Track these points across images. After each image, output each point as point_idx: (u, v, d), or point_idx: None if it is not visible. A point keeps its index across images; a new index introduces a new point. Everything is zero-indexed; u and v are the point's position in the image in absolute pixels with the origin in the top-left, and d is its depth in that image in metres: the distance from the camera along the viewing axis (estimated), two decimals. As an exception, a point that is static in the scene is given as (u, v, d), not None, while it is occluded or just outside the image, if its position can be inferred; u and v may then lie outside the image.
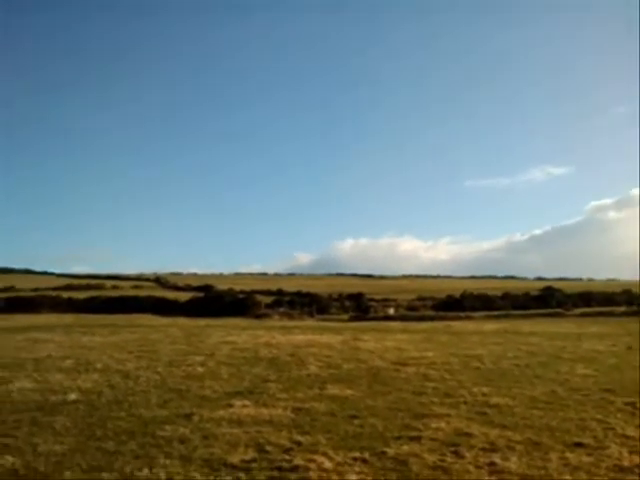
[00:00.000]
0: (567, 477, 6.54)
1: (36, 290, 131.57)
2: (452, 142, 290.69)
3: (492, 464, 7.01)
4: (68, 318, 66.85)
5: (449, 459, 7.22)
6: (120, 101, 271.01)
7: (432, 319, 61.12)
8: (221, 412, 10.24)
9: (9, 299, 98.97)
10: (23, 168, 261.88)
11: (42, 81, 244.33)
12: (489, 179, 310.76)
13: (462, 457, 7.30)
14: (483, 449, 7.71)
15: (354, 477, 6.46)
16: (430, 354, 20.19)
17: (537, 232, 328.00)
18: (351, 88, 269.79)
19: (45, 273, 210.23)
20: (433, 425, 9.14)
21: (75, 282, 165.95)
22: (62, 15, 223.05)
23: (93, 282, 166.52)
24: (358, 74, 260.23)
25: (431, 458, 7.24)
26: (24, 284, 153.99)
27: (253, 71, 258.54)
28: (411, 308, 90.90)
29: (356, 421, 9.50)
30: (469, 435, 8.48)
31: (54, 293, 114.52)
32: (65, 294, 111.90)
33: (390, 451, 7.55)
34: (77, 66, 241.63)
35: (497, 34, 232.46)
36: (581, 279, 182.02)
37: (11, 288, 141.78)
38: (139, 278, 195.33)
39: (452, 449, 7.67)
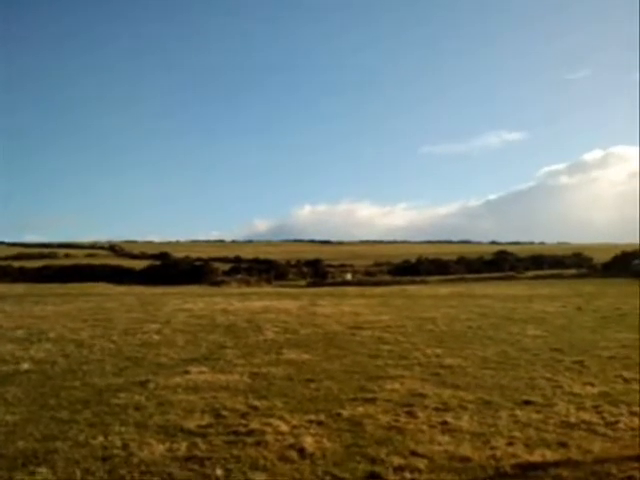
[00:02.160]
0: (517, 434, 6.74)
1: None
2: (408, 108, 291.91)
3: (445, 423, 7.17)
4: (19, 288, 65.32)
5: (403, 419, 7.36)
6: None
7: (388, 284, 61.84)
8: (177, 379, 10.20)
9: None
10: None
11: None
12: (444, 145, 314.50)
13: (416, 417, 7.45)
14: (436, 409, 7.88)
15: (309, 439, 6.53)
16: (385, 317, 20.49)
17: (492, 197, 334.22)
18: (313, 48, 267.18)
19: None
20: (388, 387, 9.31)
21: (27, 251, 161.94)
22: None
23: (45, 251, 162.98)
24: (324, 34, 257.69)
25: (385, 419, 7.37)
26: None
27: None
28: (368, 273, 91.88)
29: (312, 385, 9.59)
30: (423, 396, 8.65)
31: (4, 262, 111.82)
32: (16, 263, 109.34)
33: (345, 413, 7.66)
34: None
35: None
36: (533, 243, 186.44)
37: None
38: (93, 246, 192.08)
39: (406, 410, 7.82)
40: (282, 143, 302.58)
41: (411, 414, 7.59)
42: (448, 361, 11.66)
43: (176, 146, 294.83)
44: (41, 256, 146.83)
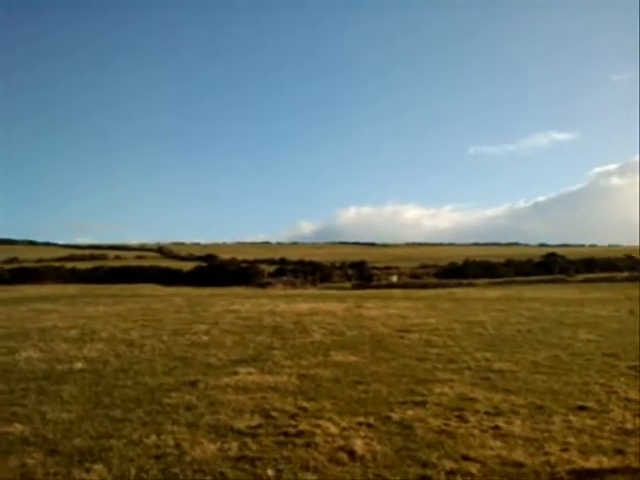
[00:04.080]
0: (571, 439, 6.58)
1: (40, 261, 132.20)
2: (456, 109, 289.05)
3: (496, 428, 7.06)
4: (72, 289, 67.12)
5: (453, 423, 7.27)
6: (121, 70, 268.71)
7: (434, 286, 61.38)
8: (226, 379, 10.30)
9: (13, 270, 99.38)
10: (25, 141, 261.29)
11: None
12: (493, 146, 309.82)
13: (466, 421, 7.35)
14: (487, 413, 7.76)
15: (359, 442, 6.51)
16: (433, 321, 20.30)
17: (540, 199, 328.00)
18: (357, 55, 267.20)
19: (48, 244, 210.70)
20: (437, 390, 9.21)
21: (78, 253, 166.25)
22: None
23: (96, 252, 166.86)
24: (365, 40, 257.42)
25: (436, 422, 7.29)
26: (27, 255, 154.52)
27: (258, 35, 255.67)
28: (414, 276, 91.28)
29: (360, 387, 9.56)
30: (473, 400, 8.54)
31: (57, 264, 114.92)
32: (68, 265, 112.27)
33: (395, 416, 7.61)
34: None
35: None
36: (583, 245, 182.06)
37: (14, 259, 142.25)
38: (142, 248, 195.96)
39: (456, 414, 7.72)
40: (329, 148, 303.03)
41: (462, 418, 7.50)
42: (498, 365, 11.47)
43: (223, 149, 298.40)
44: (92, 258, 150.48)
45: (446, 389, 9.30)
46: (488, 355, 12.73)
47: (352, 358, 12.57)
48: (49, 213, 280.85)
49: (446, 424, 7.24)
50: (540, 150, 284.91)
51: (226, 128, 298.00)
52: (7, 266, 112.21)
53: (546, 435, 6.77)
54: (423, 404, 8.30)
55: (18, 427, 7.23)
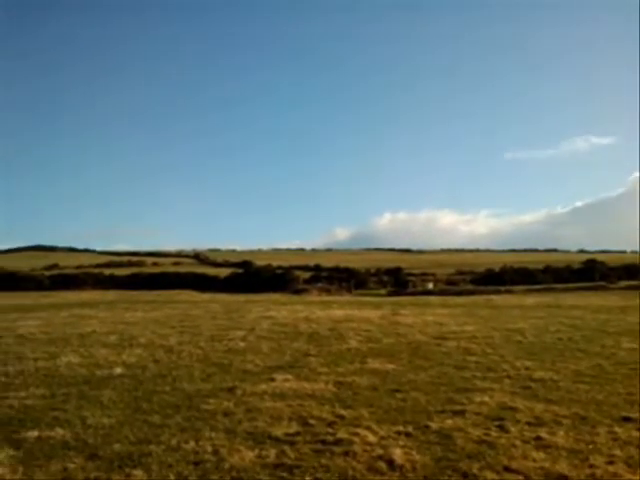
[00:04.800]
0: (617, 452, 6.40)
1: (79, 267, 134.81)
2: (493, 113, 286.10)
3: (539, 438, 6.90)
4: (110, 295, 68.26)
5: (494, 433, 7.13)
6: (153, 76, 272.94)
7: (472, 293, 60.73)
8: (263, 386, 10.30)
9: (53, 277, 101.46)
10: (63, 148, 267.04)
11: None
12: (530, 150, 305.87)
13: (507, 431, 7.20)
14: (529, 423, 7.60)
15: (398, 451, 6.43)
16: (471, 328, 20.04)
17: (579, 204, 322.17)
18: (390, 62, 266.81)
19: (87, 250, 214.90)
20: (477, 399, 9.05)
21: (116, 259, 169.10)
22: None
23: (134, 259, 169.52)
24: (400, 44, 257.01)
25: (476, 432, 7.16)
26: (67, 262, 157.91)
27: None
28: (450, 282, 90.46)
29: (398, 395, 9.47)
30: (514, 409, 8.37)
31: (96, 270, 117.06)
32: (107, 271, 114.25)
33: (434, 425, 7.50)
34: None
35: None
36: (625, 252, 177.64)
37: (55, 266, 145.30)
38: (179, 254, 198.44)
39: (497, 423, 7.58)
40: (363, 153, 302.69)
41: (502, 428, 7.35)
42: (539, 374, 11.25)
43: (258, 156, 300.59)
44: (130, 264, 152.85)
45: (486, 398, 9.13)
46: (528, 364, 12.49)
47: (389, 366, 12.47)
48: (88, 220, 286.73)
49: (486, 434, 7.10)
50: (579, 154, 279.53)
51: (261, 135, 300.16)
52: (48, 272, 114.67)
53: (591, 447, 6.59)
54: (462, 413, 8.17)
55: (59, 432, 7.33)
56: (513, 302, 39.66)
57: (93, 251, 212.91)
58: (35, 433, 7.26)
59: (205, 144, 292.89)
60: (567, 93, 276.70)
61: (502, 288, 67.62)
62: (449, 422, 7.67)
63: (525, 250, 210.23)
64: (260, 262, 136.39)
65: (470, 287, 75.98)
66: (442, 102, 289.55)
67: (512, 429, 7.30)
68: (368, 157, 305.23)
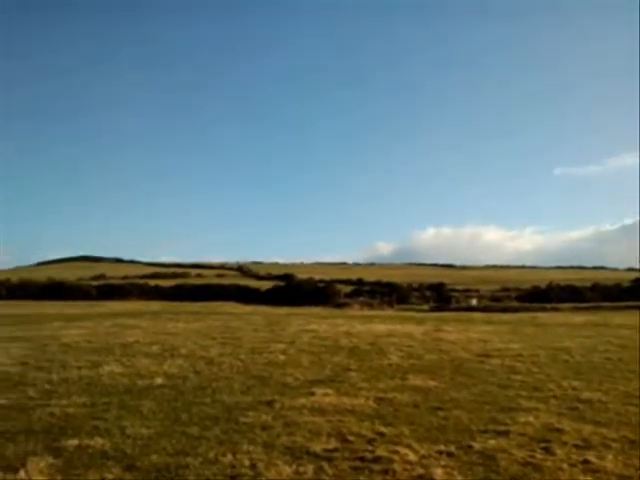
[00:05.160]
0: (670, 479, 6.10)
1: (125, 278, 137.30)
2: (542, 129, 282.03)
3: (586, 462, 6.62)
4: (155, 305, 69.17)
5: (539, 455, 6.88)
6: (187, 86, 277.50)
7: (516, 310, 59.49)
8: (303, 400, 10.21)
9: (100, 287, 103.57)
10: (108, 161, 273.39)
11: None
12: (579, 167, 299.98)
13: (553, 454, 6.94)
14: (576, 446, 7.31)
15: (439, 471, 6.25)
16: (516, 346, 19.57)
17: (628, 222, 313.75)
18: (440, 74, 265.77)
19: (133, 262, 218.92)
20: (521, 419, 8.77)
21: (162, 270, 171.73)
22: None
23: (179, 270, 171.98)
24: (443, 59, 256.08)
25: (520, 454, 6.92)
26: (114, 272, 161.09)
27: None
28: (494, 299, 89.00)
29: (440, 413, 9.25)
30: (560, 431, 8.07)
31: (142, 281, 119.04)
32: (152, 282, 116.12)
33: (477, 445, 7.28)
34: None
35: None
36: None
37: (102, 276, 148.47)
38: (222, 267, 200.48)
39: (542, 445, 7.31)
40: (408, 168, 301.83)
41: (548, 450, 7.09)
42: (586, 395, 10.87)
43: (301, 168, 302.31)
44: (175, 275, 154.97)
45: (531, 418, 8.84)
46: (575, 384, 12.09)
47: (431, 383, 12.23)
48: (135, 231, 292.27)
49: (531, 456, 6.86)
50: (627, 170, 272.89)
51: (304, 147, 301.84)
52: (94, 282, 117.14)
53: (641, 473, 6.30)
54: (506, 434, 7.92)
55: (99, 441, 7.37)
56: (560, 320, 38.70)
57: (139, 262, 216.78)
58: (75, 442, 7.31)
59: (250, 158, 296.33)
60: (616, 110, 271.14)
61: (548, 306, 66.16)
62: (492, 442, 7.44)
63: (572, 267, 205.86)
64: (302, 275, 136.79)
65: (515, 304, 74.45)
66: (492, 116, 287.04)
67: (558, 451, 7.04)
68: (412, 171, 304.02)
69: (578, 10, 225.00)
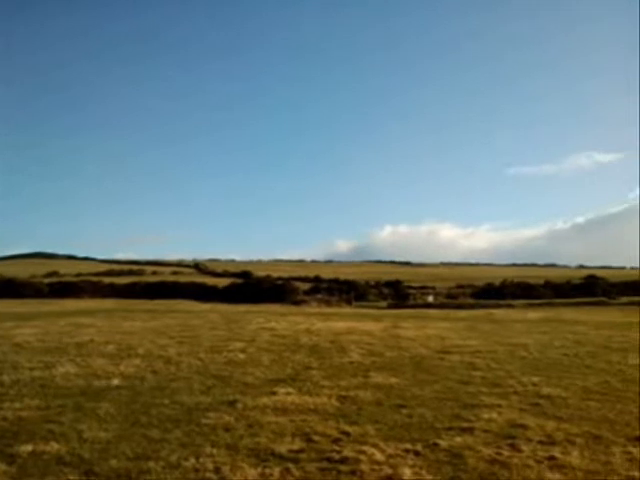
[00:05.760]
0: (635, 473, 6.15)
1: (79, 275, 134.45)
2: (496, 128, 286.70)
3: (552, 458, 6.63)
4: (109, 303, 67.90)
5: (506, 452, 6.87)
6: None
7: (472, 307, 60.43)
8: (265, 400, 10.03)
9: (53, 284, 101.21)
10: (64, 155, 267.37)
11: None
12: (533, 166, 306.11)
13: (520, 450, 6.94)
14: (541, 442, 7.33)
15: (408, 470, 6.17)
16: (474, 342, 19.76)
17: (580, 220, 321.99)
18: (390, 69, 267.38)
19: (87, 259, 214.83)
20: (485, 416, 8.78)
21: (117, 268, 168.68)
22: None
23: (134, 268, 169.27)
24: (400, 55, 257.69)
25: (487, 451, 6.90)
26: (67, 269, 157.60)
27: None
28: (450, 296, 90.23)
29: (404, 411, 9.19)
30: (524, 427, 8.09)
31: (96, 278, 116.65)
32: (107, 279, 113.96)
33: (443, 443, 7.23)
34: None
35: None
36: (624, 268, 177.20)
37: (55, 273, 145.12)
38: (179, 264, 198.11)
39: (508, 442, 7.30)
40: (363, 165, 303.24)
41: (514, 447, 7.08)
42: (546, 390, 10.98)
43: (256, 165, 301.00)
44: (130, 273, 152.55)
45: (494, 415, 8.86)
46: (535, 379, 12.20)
47: (393, 380, 12.19)
48: (89, 228, 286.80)
49: (498, 453, 6.84)
50: (581, 171, 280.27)
51: (260, 142, 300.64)
52: (47, 280, 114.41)
53: (607, 468, 6.33)
54: (471, 430, 7.90)
55: (54, 446, 7.06)
56: (515, 316, 39.34)
57: (93, 259, 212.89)
58: (29, 447, 6.98)
59: (205, 153, 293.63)
60: (570, 109, 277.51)
61: (503, 302, 67.35)
62: (458, 440, 7.40)
63: (525, 265, 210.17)
64: (260, 273, 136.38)
65: (470, 301, 75.65)
66: (446, 112, 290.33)
67: (524, 448, 7.04)
68: (369, 169, 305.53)
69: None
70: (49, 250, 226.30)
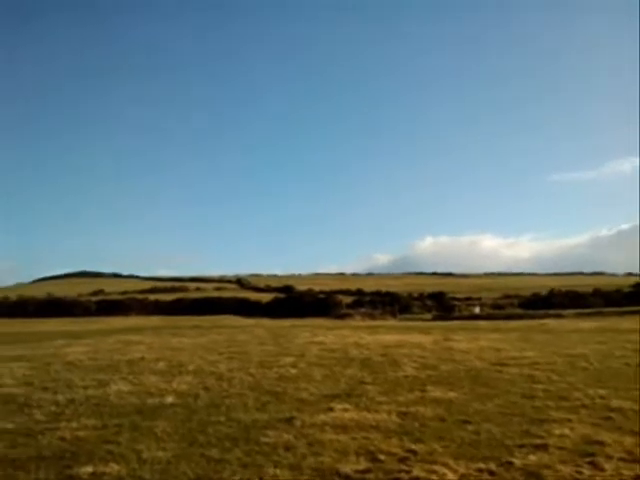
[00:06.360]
0: None
1: (124, 293, 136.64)
2: (536, 135, 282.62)
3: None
4: (156, 320, 68.66)
5: (587, 471, 6.43)
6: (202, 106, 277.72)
7: (521, 317, 59.03)
8: (322, 416, 9.74)
9: (99, 302, 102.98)
10: (110, 180, 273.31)
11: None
12: (574, 172, 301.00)
13: (602, 469, 6.49)
14: (622, 459, 6.85)
15: (485, 491, 5.81)
16: (530, 354, 19.11)
17: (624, 227, 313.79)
18: (437, 82, 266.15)
19: (132, 276, 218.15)
20: (556, 432, 8.32)
21: (160, 285, 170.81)
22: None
23: (177, 285, 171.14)
24: (441, 71, 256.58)
25: (566, 470, 6.47)
26: (113, 287, 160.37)
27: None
28: (497, 306, 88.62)
29: (469, 427, 8.79)
30: (601, 443, 7.61)
31: (141, 296, 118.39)
32: (152, 296, 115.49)
33: (517, 461, 6.82)
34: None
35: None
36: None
37: (101, 292, 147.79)
38: (221, 280, 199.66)
39: (587, 459, 6.86)
40: (404, 177, 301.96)
41: (595, 465, 6.63)
42: (616, 403, 10.42)
43: (296, 181, 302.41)
44: (174, 289, 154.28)
45: (566, 430, 8.39)
46: (601, 392, 11.62)
47: (451, 394, 11.77)
48: (133, 246, 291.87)
49: (578, 471, 6.41)
50: (622, 176, 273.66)
51: (301, 159, 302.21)
52: (94, 298, 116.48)
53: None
54: (545, 447, 7.46)
55: (114, 467, 6.89)
56: (568, 326, 38.20)
57: (137, 277, 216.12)
58: (89, 469, 6.83)
59: (245, 170, 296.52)
60: (611, 114, 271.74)
61: (552, 312, 65.68)
62: (533, 458, 6.98)
63: (570, 274, 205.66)
64: (301, 287, 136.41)
65: (519, 311, 74.00)
66: (486, 123, 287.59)
67: (606, 466, 6.59)
68: (408, 181, 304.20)
69: (583, 10, 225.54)
70: (95, 269, 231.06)
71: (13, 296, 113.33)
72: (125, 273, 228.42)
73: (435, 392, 12.04)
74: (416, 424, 9.10)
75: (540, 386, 12.59)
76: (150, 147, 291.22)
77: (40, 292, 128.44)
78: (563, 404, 10.52)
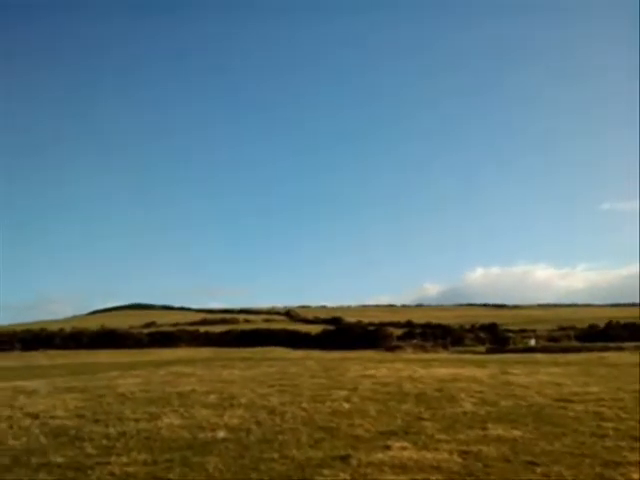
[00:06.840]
0: None
1: (175, 325, 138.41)
2: (589, 163, 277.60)
3: None
4: (206, 351, 68.97)
5: (674, 522, 5.87)
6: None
7: (579, 350, 57.02)
8: (379, 455, 9.30)
9: (151, 334, 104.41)
10: (159, 210, 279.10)
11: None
12: (627, 201, 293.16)
13: (694, 521, 5.92)
14: None
15: None
16: (594, 389, 18.17)
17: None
18: (481, 110, 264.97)
19: (183, 309, 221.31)
20: (634, 476, 7.72)
21: (210, 317, 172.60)
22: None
23: (227, 316, 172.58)
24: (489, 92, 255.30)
25: (651, 520, 5.92)
26: (164, 319, 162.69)
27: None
28: (552, 339, 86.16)
29: (538, 469, 8.23)
30: (686, 491, 7.01)
31: (192, 328, 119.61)
32: (202, 328, 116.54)
33: (594, 509, 6.30)
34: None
35: None
36: None
37: (152, 323, 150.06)
38: (270, 312, 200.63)
39: (674, 509, 6.29)
40: (455, 208, 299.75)
41: (685, 516, 6.06)
42: (697, 445, 9.69)
43: (344, 214, 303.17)
44: (224, 321, 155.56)
45: (644, 475, 7.78)
46: (678, 432, 10.87)
47: (515, 432, 11.15)
48: (184, 279, 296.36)
49: (664, 522, 5.85)
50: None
51: (351, 193, 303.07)
52: (145, 330, 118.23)
53: None
54: (625, 494, 6.90)
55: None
56: (630, 360, 36.62)
57: (188, 309, 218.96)
58: (140, 507, 6.60)
59: (293, 203, 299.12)
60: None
61: (612, 345, 63.35)
62: (613, 506, 6.44)
63: (628, 304, 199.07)
64: (350, 318, 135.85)
65: (576, 344, 71.72)
66: (538, 153, 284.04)
67: (698, 518, 6.01)
68: (458, 212, 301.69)
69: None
70: (146, 301, 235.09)
71: (68, 328, 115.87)
72: (176, 305, 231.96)
73: (497, 430, 11.44)
74: (480, 465, 8.60)
75: (609, 424, 11.84)
76: (199, 179, 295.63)
77: (94, 324, 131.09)
78: (637, 445, 9.83)
